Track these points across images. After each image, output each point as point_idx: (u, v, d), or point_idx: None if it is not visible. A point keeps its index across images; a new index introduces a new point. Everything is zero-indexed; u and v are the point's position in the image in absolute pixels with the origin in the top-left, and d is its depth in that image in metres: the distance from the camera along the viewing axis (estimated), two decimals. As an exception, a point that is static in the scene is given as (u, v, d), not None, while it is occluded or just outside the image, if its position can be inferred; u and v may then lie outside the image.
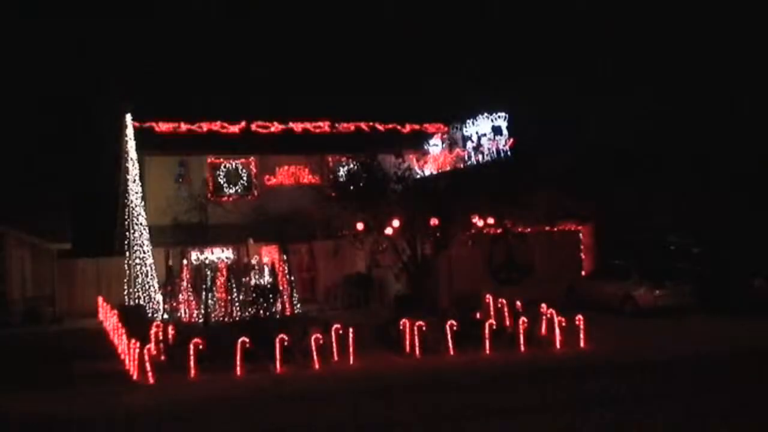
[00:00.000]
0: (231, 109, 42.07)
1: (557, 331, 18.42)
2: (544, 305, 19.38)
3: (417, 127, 31.32)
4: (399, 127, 31.25)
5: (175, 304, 25.76)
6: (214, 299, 24.87)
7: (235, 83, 56.20)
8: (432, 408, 13.11)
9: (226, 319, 24.09)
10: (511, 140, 25.38)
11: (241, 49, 62.03)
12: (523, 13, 63.30)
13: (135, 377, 15.97)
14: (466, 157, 27.37)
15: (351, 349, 17.12)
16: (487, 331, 18.16)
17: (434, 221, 22.12)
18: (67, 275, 27.54)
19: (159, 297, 25.92)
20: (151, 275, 26.04)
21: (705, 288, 23.40)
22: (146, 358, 17.23)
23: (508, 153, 24.56)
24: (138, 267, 25.82)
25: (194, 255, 27.05)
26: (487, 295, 21.37)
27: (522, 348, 17.87)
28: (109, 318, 25.43)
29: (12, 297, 26.41)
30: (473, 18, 66.63)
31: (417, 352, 17.46)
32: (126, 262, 25.84)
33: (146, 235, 26.29)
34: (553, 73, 56.26)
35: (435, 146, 29.70)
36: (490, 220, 22.87)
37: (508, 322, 19.57)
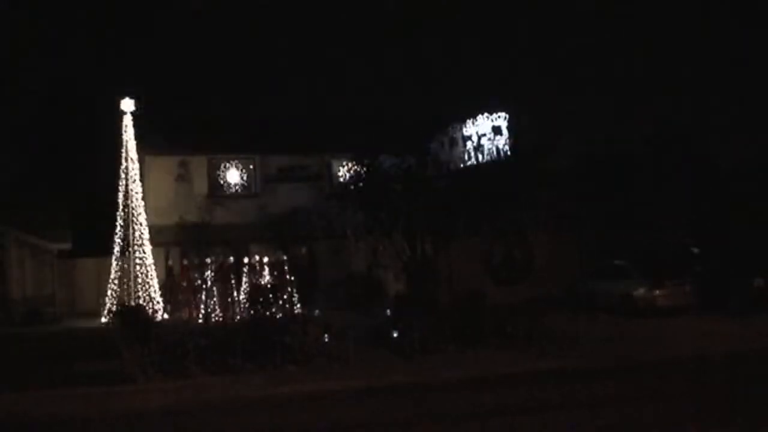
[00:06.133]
0: (232, 108, 42.11)
1: (557, 331, 18.43)
2: (544, 305, 19.41)
3: (418, 126, 31.29)
4: (400, 127, 31.22)
5: (174, 304, 25.76)
6: (214, 299, 24.86)
7: (236, 82, 56.15)
8: (432, 408, 13.12)
9: (226, 320, 24.07)
10: (511, 140, 25.37)
11: (240, 47, 62.02)
12: (524, 13, 63.29)
13: (135, 377, 15.97)
14: (466, 158, 27.34)
15: (351, 349, 17.12)
16: (487, 331, 18.16)
17: (434, 221, 22.14)
18: (67, 275, 27.53)
19: (159, 297, 25.92)
20: (151, 275, 26.04)
21: (705, 288, 23.40)
22: (146, 358, 17.26)
23: (508, 153, 24.54)
24: (138, 267, 25.82)
25: (194, 255, 27.04)
26: (488, 295, 21.36)
27: (522, 348, 17.86)
28: (109, 318, 25.46)
29: (12, 297, 26.40)
30: (474, 17, 66.64)
31: (417, 352, 17.45)
32: (126, 262, 25.84)
33: (146, 235, 26.28)
34: (553, 73, 56.26)
35: (435, 146, 29.68)
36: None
37: (508, 322, 19.56)
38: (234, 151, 29.90)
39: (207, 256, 26.08)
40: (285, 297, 25.03)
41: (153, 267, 26.17)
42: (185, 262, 27.30)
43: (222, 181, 29.61)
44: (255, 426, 12.55)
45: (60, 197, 28.90)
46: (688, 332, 20.16)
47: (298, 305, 25.19)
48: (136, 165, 26.59)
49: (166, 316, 25.46)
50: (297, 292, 25.54)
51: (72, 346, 20.45)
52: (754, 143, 32.27)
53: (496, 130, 24.51)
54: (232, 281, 25.25)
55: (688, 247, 27.30)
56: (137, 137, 26.64)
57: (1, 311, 26.07)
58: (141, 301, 25.35)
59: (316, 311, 22.51)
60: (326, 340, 17.98)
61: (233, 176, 29.91)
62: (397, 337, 17.89)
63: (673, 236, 28.16)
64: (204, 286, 25.08)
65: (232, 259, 26.02)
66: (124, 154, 26.53)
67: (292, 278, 25.60)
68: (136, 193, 26.30)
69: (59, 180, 31.66)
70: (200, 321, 24.33)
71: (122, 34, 60.15)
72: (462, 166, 25.36)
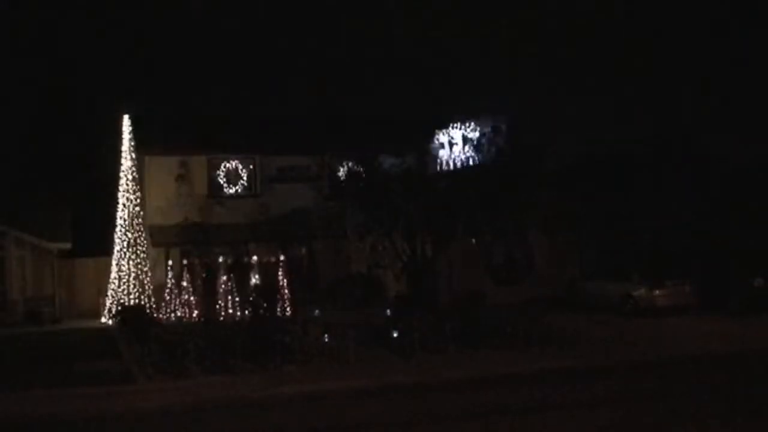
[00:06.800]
0: (232, 108, 42.05)
1: (557, 330, 18.44)
2: (544, 305, 19.41)
3: (418, 126, 31.34)
4: (400, 127, 31.25)
5: (175, 304, 25.76)
6: (214, 299, 24.86)
7: (236, 82, 56.13)
8: (432, 408, 13.12)
9: (226, 320, 24.09)
10: (511, 140, 25.36)
11: (240, 46, 61.98)
12: (523, 13, 63.31)
13: (135, 377, 15.97)
14: (466, 158, 27.35)
15: (351, 349, 17.12)
16: (487, 331, 18.16)
17: (434, 221, 22.17)
18: (67, 275, 27.52)
19: (158, 297, 25.90)
20: (151, 275, 26.02)
21: (705, 288, 23.39)
22: (146, 358, 17.27)
23: (508, 153, 24.55)
24: (138, 267, 25.80)
25: (194, 255, 27.04)
26: (487, 295, 21.37)
27: (522, 348, 17.85)
28: (108, 318, 25.46)
29: (12, 297, 26.39)
30: (474, 16, 66.63)
31: (417, 352, 17.45)
32: (126, 262, 25.82)
33: (146, 235, 26.27)
34: (552, 73, 56.26)
35: (435, 146, 29.70)
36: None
37: (508, 322, 19.55)
38: (234, 151, 29.88)
39: (207, 256, 26.08)
40: (285, 297, 25.05)
41: (152, 267, 26.15)
42: (185, 262, 27.30)
43: (222, 181, 29.60)
44: (255, 426, 12.55)
45: (60, 197, 28.86)
46: (688, 332, 20.16)
47: (298, 305, 25.21)
48: (136, 165, 26.58)
49: (166, 316, 25.43)
50: (297, 292, 25.55)
51: (72, 346, 20.46)
52: (754, 143, 32.18)
53: (496, 130, 24.49)
54: (232, 281, 25.24)
55: (688, 247, 27.25)
56: (137, 137, 26.62)
57: (1, 311, 26.06)
58: (141, 301, 25.33)
59: (316, 311, 22.52)
60: (326, 340, 17.99)
61: (233, 176, 29.90)
62: (397, 337, 17.89)
63: (673, 236, 28.13)
64: (204, 286, 25.09)
65: (231, 259, 26.01)
66: (124, 154, 26.52)
67: (292, 278, 25.61)
68: (136, 193, 26.28)
69: (59, 180, 31.63)
70: (200, 321, 24.35)
71: (122, 34, 60.15)
72: (462, 166, 25.35)
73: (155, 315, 24.74)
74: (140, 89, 42.16)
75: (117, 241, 26.04)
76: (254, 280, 25.78)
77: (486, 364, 16.46)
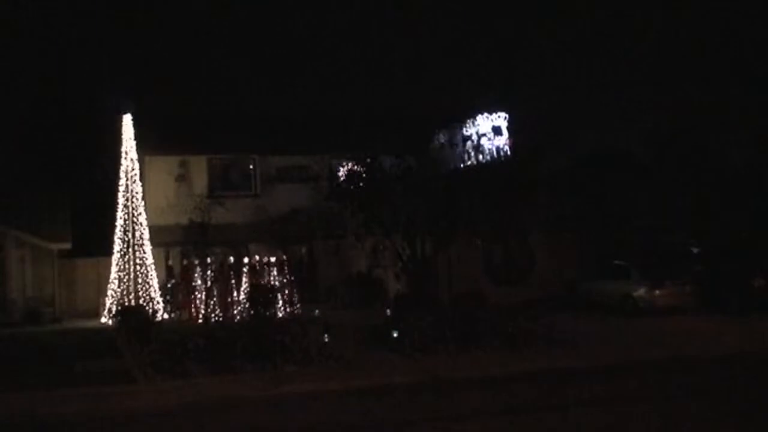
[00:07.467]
0: (232, 108, 42.09)
1: (557, 331, 18.43)
2: (544, 305, 19.42)
3: (418, 126, 31.32)
4: (400, 127, 31.22)
5: (175, 304, 25.73)
6: (214, 299, 24.86)
7: (236, 81, 56.16)
8: (432, 408, 13.12)
9: (226, 320, 24.09)
10: (511, 140, 25.37)
11: (241, 46, 62.00)
12: (524, 13, 63.32)
13: (135, 377, 15.97)
14: (466, 157, 27.35)
15: (351, 349, 17.12)
16: (487, 331, 18.16)
17: (434, 221, 22.17)
18: (67, 275, 27.52)
19: (159, 297, 25.91)
20: (151, 275, 26.02)
21: (705, 288, 23.40)
22: (146, 358, 17.27)
23: (508, 153, 24.59)
24: (138, 267, 25.80)
25: (194, 255, 27.05)
26: (487, 295, 21.38)
27: (522, 348, 17.86)
28: (109, 318, 25.45)
29: (12, 297, 26.39)
30: (474, 17, 66.66)
31: (417, 352, 17.45)
32: (126, 262, 25.82)
33: (146, 235, 26.27)
34: (552, 73, 56.29)
35: (435, 146, 29.68)
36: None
37: (508, 322, 19.55)
38: (234, 151, 29.90)
39: (207, 256, 26.08)
40: (285, 297, 25.06)
41: (153, 267, 26.15)
42: (185, 262, 27.29)
43: (222, 181, 29.60)
44: (255, 426, 12.55)
45: (60, 197, 28.87)
46: (687, 332, 20.16)
47: (298, 305, 25.22)
48: (136, 165, 26.57)
49: (166, 316, 25.44)
50: (297, 292, 25.55)
51: (72, 346, 20.45)
52: (755, 143, 32.22)
53: (496, 130, 24.51)
54: (232, 281, 25.25)
55: (689, 247, 27.32)
56: (137, 137, 26.62)
57: (1, 311, 26.07)
58: (141, 301, 25.33)
59: (316, 311, 22.54)
60: (326, 340, 17.99)
61: (233, 176, 29.90)
62: (397, 337, 17.89)
63: (674, 236, 28.18)
64: (204, 286, 25.07)
65: (232, 259, 26.02)
66: (124, 154, 26.52)
67: (292, 278, 25.62)
68: (136, 193, 26.28)
69: (59, 180, 31.65)
70: (200, 321, 24.38)
71: (123, 33, 60.20)
72: (462, 166, 25.37)
73: (155, 315, 24.74)
74: (140, 89, 42.25)
75: (117, 241, 26.03)
76: (254, 280, 25.78)
77: (486, 364, 16.45)
